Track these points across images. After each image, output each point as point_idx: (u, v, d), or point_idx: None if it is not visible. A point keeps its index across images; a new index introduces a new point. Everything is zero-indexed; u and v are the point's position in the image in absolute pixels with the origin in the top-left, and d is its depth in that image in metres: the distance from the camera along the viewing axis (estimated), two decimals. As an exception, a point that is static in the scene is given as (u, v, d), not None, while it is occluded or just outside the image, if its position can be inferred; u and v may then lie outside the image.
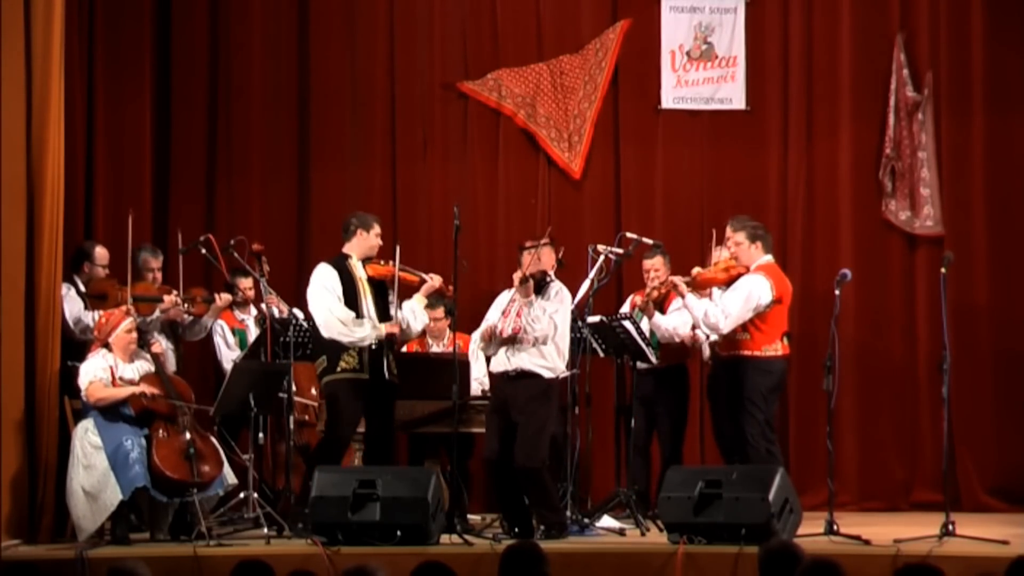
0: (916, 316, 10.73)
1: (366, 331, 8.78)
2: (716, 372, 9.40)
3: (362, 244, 9.03)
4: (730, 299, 8.98)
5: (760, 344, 8.98)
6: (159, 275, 9.62)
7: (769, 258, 9.20)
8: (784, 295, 9.10)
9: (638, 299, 9.64)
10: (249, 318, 10.00)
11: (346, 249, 9.04)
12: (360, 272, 8.97)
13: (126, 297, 9.08)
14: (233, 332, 10.01)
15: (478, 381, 9.67)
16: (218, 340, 9.99)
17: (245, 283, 9.93)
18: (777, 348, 9.04)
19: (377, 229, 9.08)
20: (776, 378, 9.08)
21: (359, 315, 8.84)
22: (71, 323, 9.11)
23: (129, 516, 8.49)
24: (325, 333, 8.82)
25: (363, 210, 10.75)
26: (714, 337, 9.28)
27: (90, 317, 9.11)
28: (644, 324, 9.46)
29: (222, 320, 10.00)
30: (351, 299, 8.87)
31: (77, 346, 9.05)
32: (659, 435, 9.71)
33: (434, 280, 9.06)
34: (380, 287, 9.02)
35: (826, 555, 5.43)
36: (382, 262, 9.05)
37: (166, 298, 9.37)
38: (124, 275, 9.41)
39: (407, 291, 9.04)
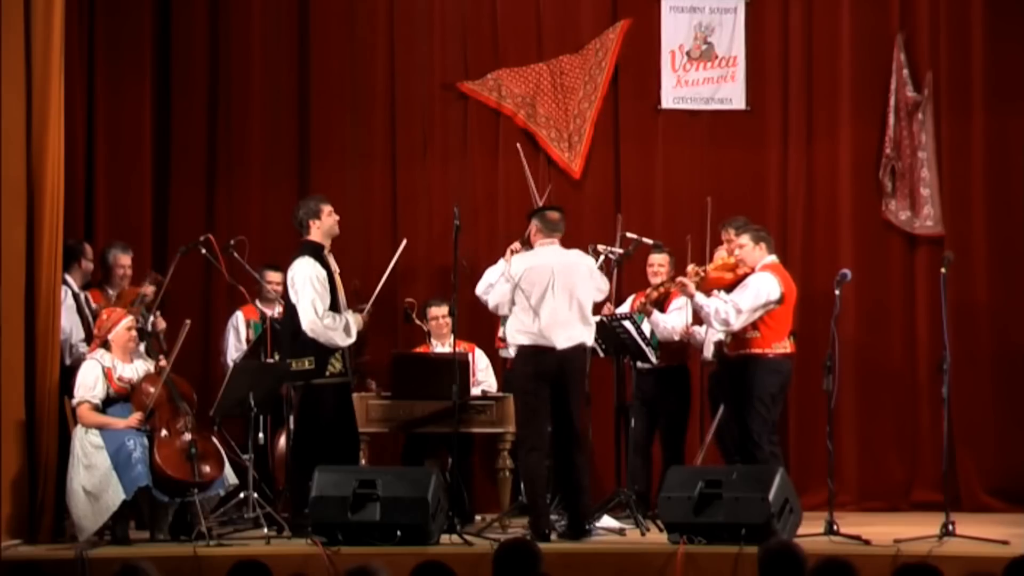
0: (916, 316, 10.73)
1: (348, 339, 8.65)
2: (720, 372, 9.40)
3: (323, 230, 8.78)
4: (741, 296, 9.02)
5: (770, 341, 9.03)
6: (129, 272, 9.58)
7: (773, 258, 9.26)
8: (789, 294, 9.13)
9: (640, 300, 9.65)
10: (273, 313, 9.78)
11: (313, 238, 8.79)
12: (333, 263, 8.86)
13: (120, 311, 9.01)
14: (248, 324, 9.97)
15: (485, 384, 9.73)
16: (230, 335, 9.96)
17: (274, 277, 9.92)
18: (785, 346, 9.10)
19: (327, 208, 8.82)
20: (784, 378, 9.11)
21: (337, 308, 8.70)
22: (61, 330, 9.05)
23: (129, 516, 8.48)
24: (307, 331, 8.55)
25: (363, 210, 10.78)
26: (719, 336, 9.27)
27: (76, 337, 9.03)
28: (645, 325, 9.46)
29: (240, 312, 9.96)
30: (333, 290, 8.74)
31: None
32: (660, 435, 9.71)
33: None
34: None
35: (838, 555, 5.41)
36: None
37: (147, 289, 9.32)
38: (103, 276, 9.52)
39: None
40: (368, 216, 10.87)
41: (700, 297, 9.05)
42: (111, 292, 9.50)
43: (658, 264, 9.76)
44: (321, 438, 8.71)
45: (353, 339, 8.71)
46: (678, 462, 9.43)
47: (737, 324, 8.98)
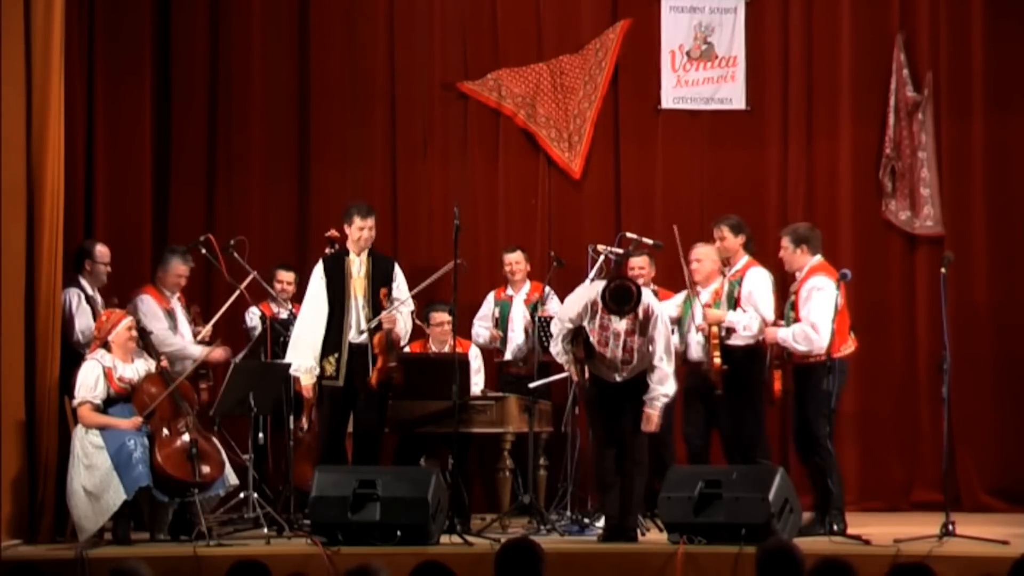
0: (916, 316, 10.73)
1: (291, 360, 8.91)
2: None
3: (350, 237, 9.02)
4: (809, 312, 8.57)
5: (838, 345, 8.58)
6: (184, 281, 9.58)
7: (819, 258, 8.82)
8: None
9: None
10: (285, 312, 9.83)
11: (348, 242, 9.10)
12: (355, 268, 8.93)
13: (120, 312, 8.97)
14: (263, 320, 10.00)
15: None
16: (250, 324, 10.00)
17: (285, 276, 9.94)
18: (850, 345, 8.76)
19: (359, 222, 8.95)
20: (846, 377, 8.82)
21: (344, 311, 8.85)
22: (79, 333, 9.04)
23: (129, 516, 8.48)
24: None
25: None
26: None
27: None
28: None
29: (255, 309, 9.96)
30: (339, 295, 8.87)
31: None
32: (653, 435, 9.69)
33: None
34: (385, 278, 8.97)
35: (838, 555, 5.40)
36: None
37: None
38: (131, 275, 9.55)
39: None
40: (368, 216, 10.87)
41: (782, 332, 8.67)
42: (166, 292, 9.51)
43: (638, 267, 9.62)
44: (326, 436, 8.98)
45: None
46: (673, 460, 9.42)
47: (826, 339, 8.49)
